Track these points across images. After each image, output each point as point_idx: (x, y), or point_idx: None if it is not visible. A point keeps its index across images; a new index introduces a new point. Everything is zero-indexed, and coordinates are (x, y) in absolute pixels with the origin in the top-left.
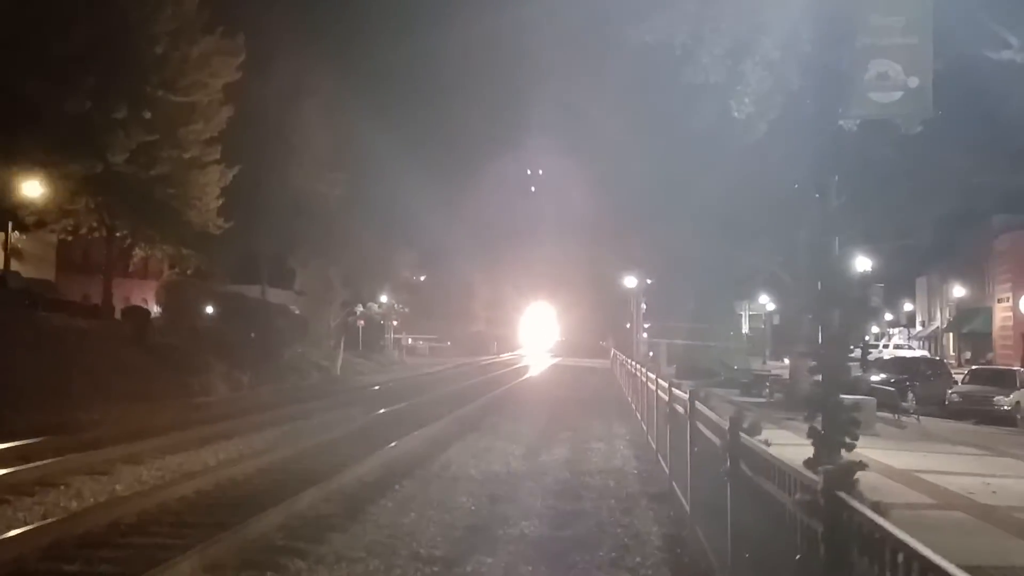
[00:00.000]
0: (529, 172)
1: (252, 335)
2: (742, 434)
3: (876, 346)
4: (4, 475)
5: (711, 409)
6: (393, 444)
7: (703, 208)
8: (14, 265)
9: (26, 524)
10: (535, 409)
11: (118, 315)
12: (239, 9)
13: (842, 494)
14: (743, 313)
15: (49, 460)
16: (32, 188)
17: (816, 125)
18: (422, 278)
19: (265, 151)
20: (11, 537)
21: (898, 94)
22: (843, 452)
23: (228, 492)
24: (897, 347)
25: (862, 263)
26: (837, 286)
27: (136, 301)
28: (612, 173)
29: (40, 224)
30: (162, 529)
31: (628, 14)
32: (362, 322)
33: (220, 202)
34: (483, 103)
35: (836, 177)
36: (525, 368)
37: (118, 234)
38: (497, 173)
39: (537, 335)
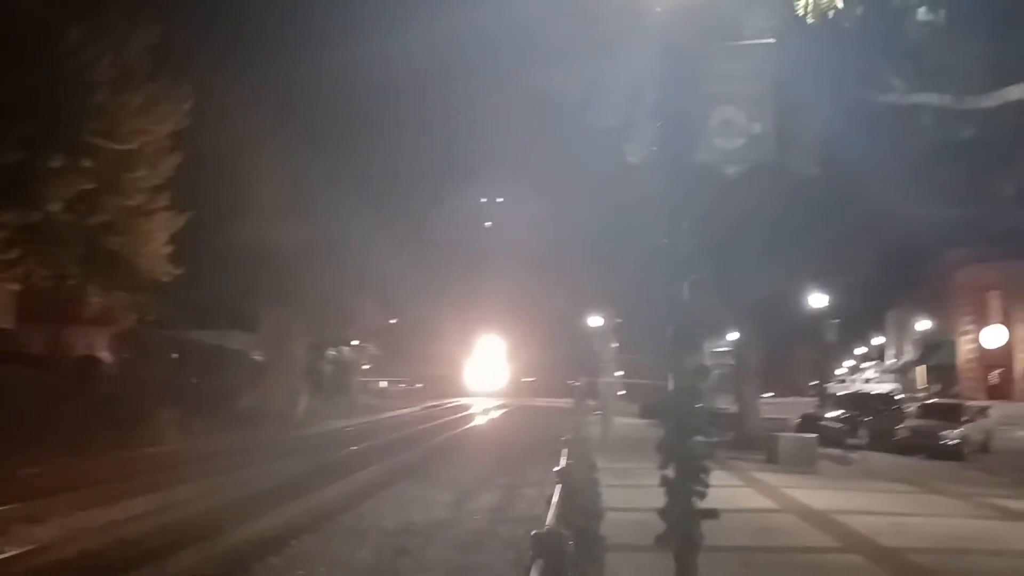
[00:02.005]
0: (485, 216)
1: (199, 382)
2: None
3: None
4: None
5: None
6: (313, 494)
7: (651, 247)
8: None
9: None
10: (483, 453)
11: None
12: (188, 56)
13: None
14: (707, 350)
15: None
16: None
17: (664, 172)
18: (392, 321)
19: (218, 197)
20: None
21: (741, 140)
22: (694, 501)
23: (112, 552)
24: (867, 381)
25: (819, 299)
26: (690, 332)
27: (96, 349)
28: (564, 212)
29: None
30: None
31: (534, 60)
32: (330, 366)
33: (169, 249)
34: (439, 145)
35: (685, 224)
36: (489, 410)
37: (71, 282)
38: (454, 215)
39: (500, 376)
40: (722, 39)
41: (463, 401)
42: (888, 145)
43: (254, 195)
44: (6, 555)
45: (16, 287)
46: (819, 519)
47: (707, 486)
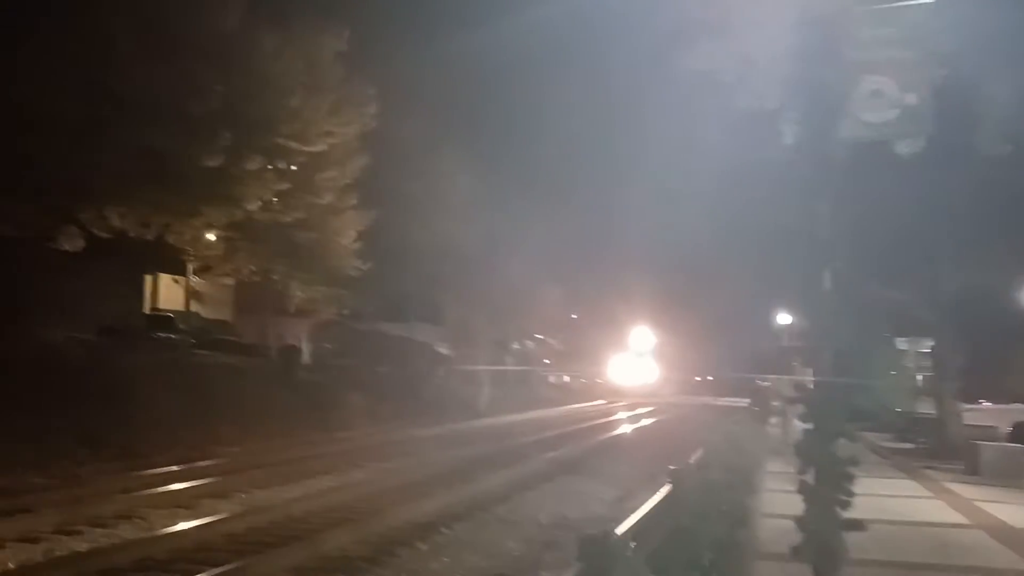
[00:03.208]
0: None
1: (388, 372)
2: None
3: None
4: (93, 509)
5: None
6: (474, 483)
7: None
8: (195, 307)
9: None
10: (655, 451)
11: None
12: (374, 60)
13: None
14: (908, 350)
15: (145, 492)
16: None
17: (802, 150)
18: (573, 316)
19: (404, 195)
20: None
21: (894, 113)
22: (837, 510)
23: (275, 529)
24: None
25: None
26: (829, 324)
27: (298, 340)
28: (734, 199)
29: (205, 268)
30: (186, 567)
31: (679, 44)
32: (512, 359)
33: (358, 245)
34: (595, 136)
35: (824, 206)
36: (667, 407)
37: (275, 277)
38: (635, 209)
39: (677, 374)
40: (869, 2)
41: (641, 397)
42: None
43: (436, 192)
44: (178, 528)
45: (231, 282)
46: (1014, 537)
47: (851, 494)
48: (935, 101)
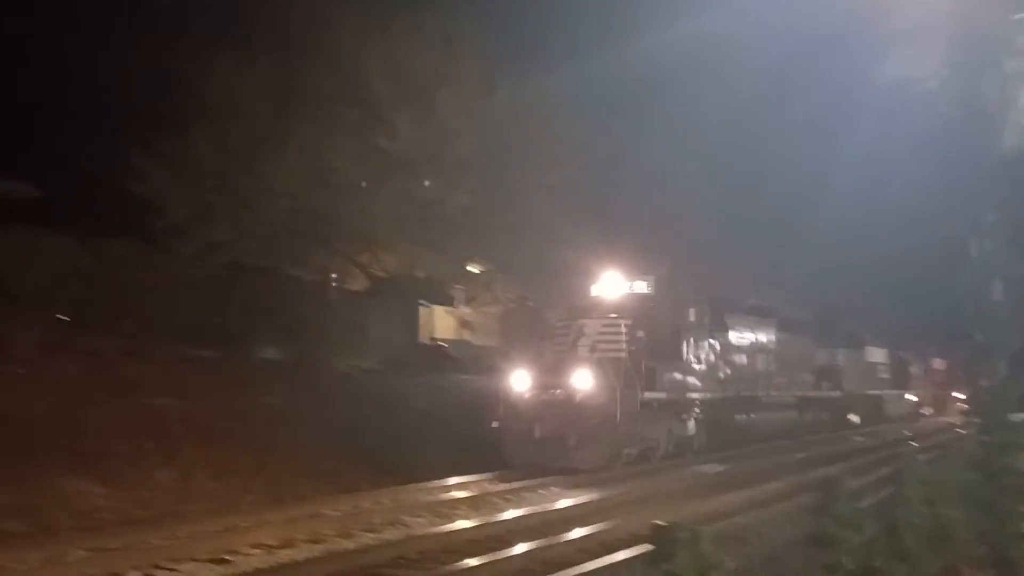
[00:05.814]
0: None
1: None
2: None
3: None
4: (368, 516)
5: None
6: (702, 501)
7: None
8: (467, 335)
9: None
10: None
11: None
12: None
13: None
14: None
15: (412, 503)
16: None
17: (966, 160)
18: None
19: None
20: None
21: None
22: (1018, 522)
23: (509, 536)
24: None
25: None
26: (997, 336)
27: None
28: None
29: (471, 299)
30: (429, 564)
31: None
32: None
33: None
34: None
35: (992, 216)
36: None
37: (529, 303)
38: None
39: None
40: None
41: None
42: None
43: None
44: (430, 532)
45: (495, 310)
46: None
47: None
48: None
